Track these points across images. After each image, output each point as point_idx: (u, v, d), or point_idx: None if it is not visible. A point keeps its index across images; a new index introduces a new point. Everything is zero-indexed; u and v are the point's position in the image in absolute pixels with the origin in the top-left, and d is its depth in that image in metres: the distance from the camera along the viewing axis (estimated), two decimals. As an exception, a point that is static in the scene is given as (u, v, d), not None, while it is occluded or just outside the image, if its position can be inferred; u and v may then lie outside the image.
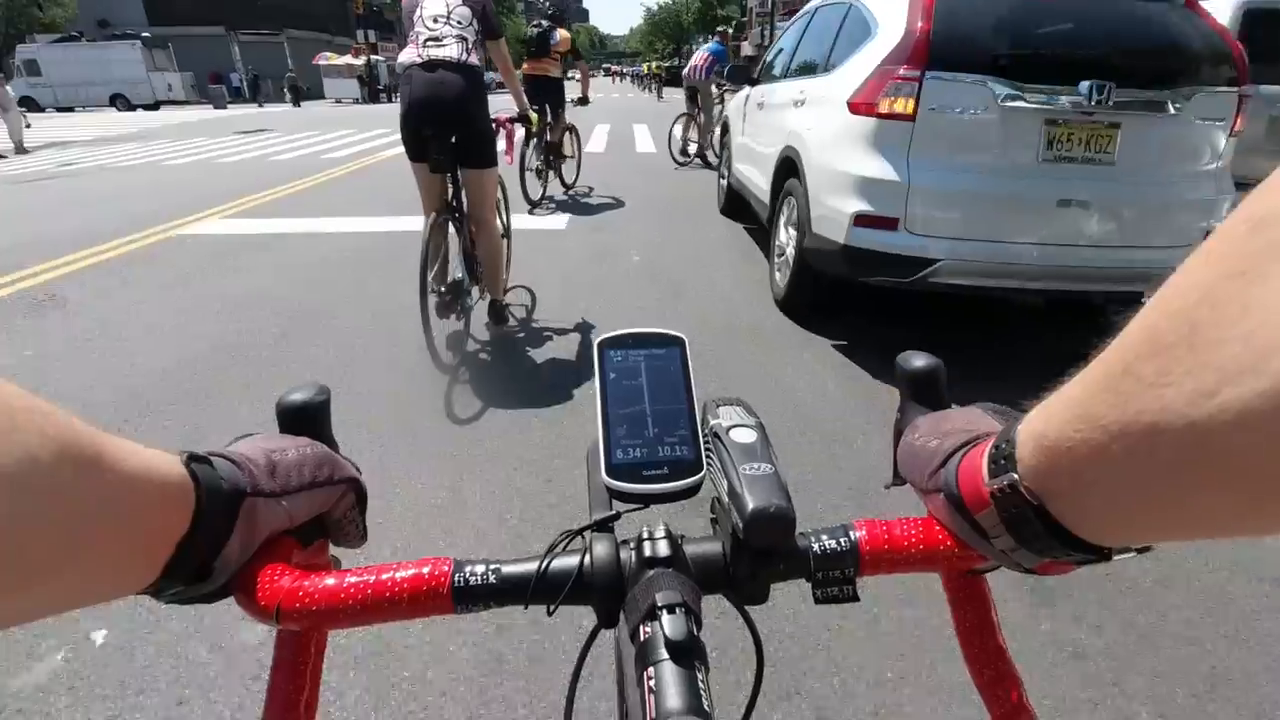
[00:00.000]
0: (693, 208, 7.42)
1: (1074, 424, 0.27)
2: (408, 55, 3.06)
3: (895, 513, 0.46)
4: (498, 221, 3.57)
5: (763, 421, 0.45)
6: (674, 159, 10.25)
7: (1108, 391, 0.25)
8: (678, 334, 0.47)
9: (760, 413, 0.46)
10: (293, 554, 0.41)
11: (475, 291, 3.61)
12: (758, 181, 5.00)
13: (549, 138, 7.21)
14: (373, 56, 40.10)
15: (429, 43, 3.00)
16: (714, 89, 10.13)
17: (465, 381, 3.24)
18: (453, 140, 3.10)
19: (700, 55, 9.89)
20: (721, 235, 6.13)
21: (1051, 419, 0.29)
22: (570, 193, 8.03)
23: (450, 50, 3.00)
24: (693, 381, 0.45)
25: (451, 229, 3.36)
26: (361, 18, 42.17)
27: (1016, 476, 0.31)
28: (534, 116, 4.09)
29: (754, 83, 5.77)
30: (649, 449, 0.42)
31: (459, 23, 3.05)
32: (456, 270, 3.49)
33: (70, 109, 34.93)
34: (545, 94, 6.91)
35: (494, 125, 3.38)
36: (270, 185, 8.89)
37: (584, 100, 7.63)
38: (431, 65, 2.98)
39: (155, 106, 35.18)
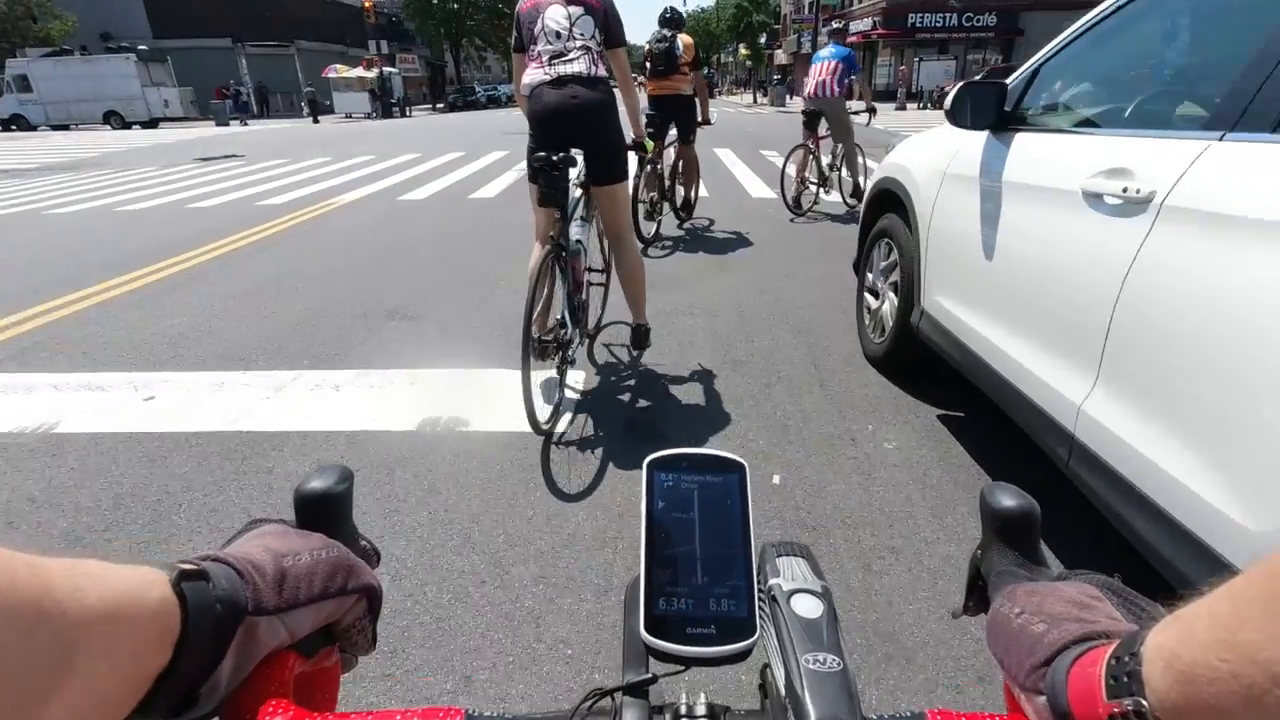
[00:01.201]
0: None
1: (1219, 651, 0.22)
2: (534, 75, 2.92)
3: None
4: (635, 238, 3.40)
5: (830, 587, 0.42)
6: (789, 207, 7.30)
7: (1269, 618, 0.20)
8: (738, 459, 0.42)
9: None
10: (294, 666, 0.37)
11: (577, 337, 3.04)
12: (1027, 364, 2.17)
13: (678, 165, 6.63)
14: (386, 68, 37.56)
15: (555, 59, 2.89)
16: (849, 110, 7.36)
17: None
18: (583, 157, 2.95)
19: (823, 65, 6.99)
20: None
21: (1189, 637, 0.24)
22: (689, 224, 7.03)
23: (578, 65, 2.89)
24: (751, 517, 0.40)
25: (557, 268, 2.89)
26: (376, 28, 39.81)
27: (1146, 704, 0.26)
28: (649, 144, 3.62)
29: (1009, 125, 2.51)
30: (696, 600, 0.38)
31: (582, 34, 2.91)
32: (558, 312, 2.95)
33: (65, 126, 32.61)
34: (676, 115, 6.13)
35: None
36: (143, 261, 5.71)
37: (706, 120, 6.43)
38: (561, 81, 2.87)
39: (153, 124, 32.70)
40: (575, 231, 2.94)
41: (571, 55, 2.88)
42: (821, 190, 7.55)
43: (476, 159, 12.92)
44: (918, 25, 33.21)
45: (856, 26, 37.27)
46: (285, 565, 0.36)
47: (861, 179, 7.50)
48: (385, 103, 36.35)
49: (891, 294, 3.41)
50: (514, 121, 26.24)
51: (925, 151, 3.12)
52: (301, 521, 0.41)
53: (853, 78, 7.06)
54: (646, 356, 3.62)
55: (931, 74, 32.25)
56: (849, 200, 7.68)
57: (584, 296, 3.13)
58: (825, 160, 7.51)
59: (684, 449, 0.42)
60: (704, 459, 0.41)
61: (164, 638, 0.29)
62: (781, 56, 54.95)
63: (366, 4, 34.93)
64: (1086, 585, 0.36)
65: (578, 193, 2.95)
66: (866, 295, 3.78)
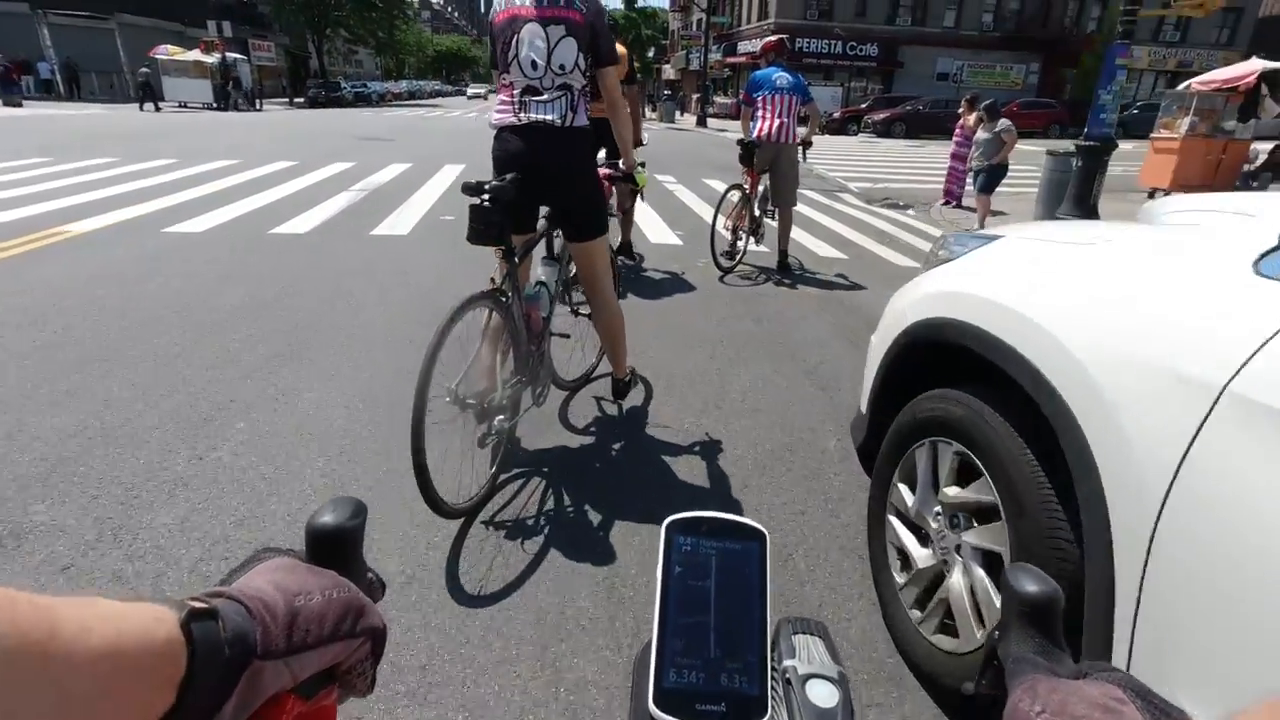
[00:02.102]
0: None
1: None
2: (502, 112, 2.54)
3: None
4: (613, 289, 2.96)
5: (847, 673, 0.40)
6: (717, 264, 5.83)
7: None
8: (758, 526, 0.41)
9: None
10: (293, 709, 0.36)
11: (527, 397, 2.70)
12: None
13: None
14: (230, 54, 33.12)
15: (526, 96, 2.48)
16: (801, 152, 5.95)
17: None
18: (549, 211, 2.70)
19: (781, 100, 5.63)
20: None
21: None
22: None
23: (552, 112, 2.47)
24: (769, 589, 0.39)
25: (497, 318, 2.45)
26: (222, 8, 35.15)
27: None
28: (642, 176, 3.00)
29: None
30: (708, 674, 0.37)
31: (562, 67, 2.44)
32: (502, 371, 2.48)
33: None
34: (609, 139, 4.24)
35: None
36: None
37: (638, 141, 5.23)
38: (531, 130, 2.49)
39: (-82, 100, 26.75)
40: (540, 273, 2.75)
41: (546, 96, 2.47)
42: (753, 240, 5.94)
43: (308, 172, 10.36)
44: (805, 50, 33.22)
45: (745, 47, 36.97)
46: (297, 605, 0.35)
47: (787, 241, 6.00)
48: (228, 93, 32.00)
49: (977, 568, 1.66)
50: (378, 124, 23.27)
51: (1127, 317, 1.34)
52: (313, 556, 0.40)
53: (803, 109, 5.55)
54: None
55: (819, 98, 32.17)
56: (778, 262, 6.10)
57: (540, 348, 2.70)
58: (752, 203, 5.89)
59: (704, 512, 0.41)
60: (724, 524, 0.41)
61: (169, 679, 0.28)
62: (670, 72, 54.48)
63: (206, -22, 30.59)
64: (1111, 686, 0.35)
65: (541, 224, 2.70)
66: (894, 525, 2.01)
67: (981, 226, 8.54)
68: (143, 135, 15.37)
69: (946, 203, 10.56)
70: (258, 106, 33.91)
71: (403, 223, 7.10)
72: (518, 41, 2.45)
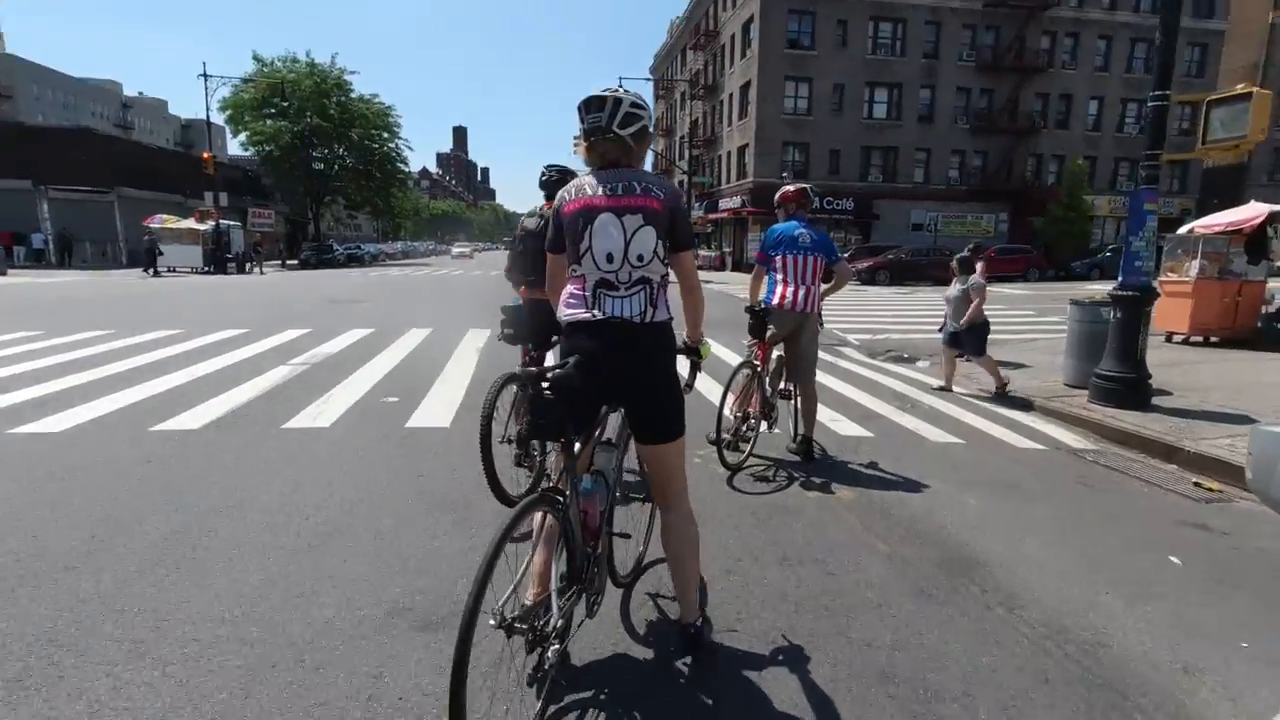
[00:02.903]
0: None
1: None
2: (573, 307, 2.37)
3: None
4: (689, 506, 2.59)
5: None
6: (722, 456, 4.58)
7: None
8: None
9: None
10: None
11: (580, 608, 2.38)
12: None
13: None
14: (224, 221, 33.84)
15: (601, 290, 2.32)
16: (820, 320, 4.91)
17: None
18: (624, 404, 2.45)
19: (804, 261, 4.76)
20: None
21: None
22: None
23: (631, 305, 2.31)
24: None
25: (552, 521, 2.23)
26: (230, 181, 36.46)
27: None
28: (707, 347, 2.71)
29: None
30: None
31: (640, 258, 2.30)
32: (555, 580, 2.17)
33: None
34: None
35: None
36: None
37: None
38: (607, 327, 2.30)
39: (-101, 271, 26.55)
40: (596, 460, 2.46)
41: (623, 291, 2.31)
42: (764, 425, 4.74)
43: (254, 341, 9.37)
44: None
45: (726, 203, 38.32)
46: None
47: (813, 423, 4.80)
48: (220, 257, 32.36)
49: None
50: (359, 284, 22.96)
51: None
52: None
53: (832, 269, 4.63)
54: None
55: (799, 250, 32.82)
56: (795, 448, 4.88)
57: (599, 550, 2.42)
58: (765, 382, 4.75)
59: None
60: None
61: None
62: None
63: (205, 155, 31.84)
64: None
65: (603, 411, 2.49)
66: None
67: (1001, 385, 7.56)
68: (93, 303, 14.62)
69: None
70: (250, 270, 34.22)
71: (330, 409, 5.91)
72: (591, 233, 2.30)
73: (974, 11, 34.71)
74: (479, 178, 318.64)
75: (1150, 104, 6.76)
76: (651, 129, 2.45)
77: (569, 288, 2.40)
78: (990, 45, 35.36)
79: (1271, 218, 10.98)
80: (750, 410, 4.58)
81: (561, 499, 2.20)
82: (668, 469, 2.49)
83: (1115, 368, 6.83)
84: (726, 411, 4.54)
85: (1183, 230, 11.71)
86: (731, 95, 37.78)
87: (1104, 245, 33.41)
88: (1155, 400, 6.87)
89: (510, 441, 3.79)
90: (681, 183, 37.29)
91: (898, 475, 4.69)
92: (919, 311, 15.90)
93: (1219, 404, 6.92)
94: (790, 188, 4.93)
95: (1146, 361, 6.96)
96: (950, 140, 35.75)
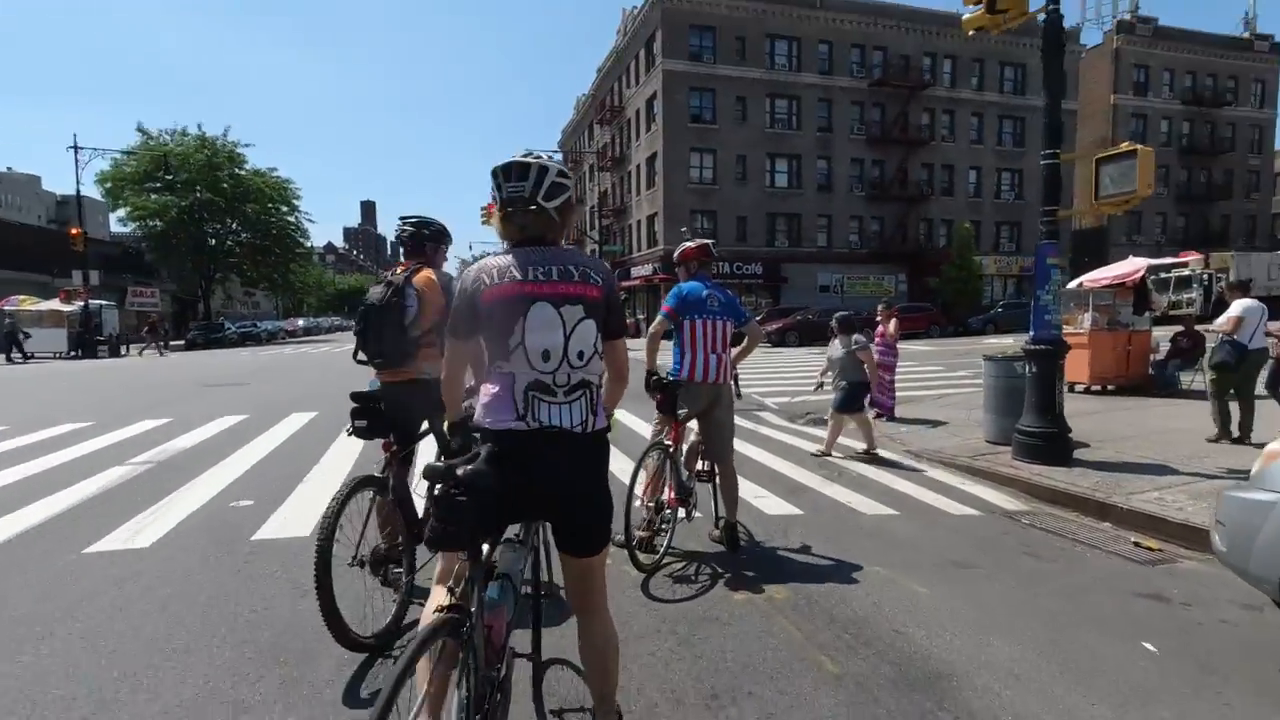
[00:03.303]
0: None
1: None
2: (497, 410, 1.98)
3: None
4: (608, 612, 2.24)
5: None
6: (634, 556, 3.90)
7: None
8: None
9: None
10: None
11: None
12: None
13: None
14: (96, 301, 31.16)
15: (535, 393, 1.97)
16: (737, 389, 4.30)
17: None
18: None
19: (712, 326, 4.24)
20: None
21: None
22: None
23: (572, 413, 1.99)
24: None
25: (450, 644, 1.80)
26: (107, 259, 33.73)
27: None
28: (615, 421, 2.39)
29: None
30: None
31: (580, 357, 2.02)
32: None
33: None
34: (405, 411, 3.35)
35: None
36: None
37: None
38: (543, 438, 1.96)
39: None
40: (504, 562, 2.05)
41: (562, 397, 1.99)
42: (681, 512, 4.09)
43: (97, 436, 8.07)
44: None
45: (639, 271, 38.59)
46: None
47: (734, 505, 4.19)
48: (90, 340, 29.56)
49: None
50: (246, 365, 21.22)
51: None
52: None
53: (741, 330, 4.13)
54: None
55: (713, 315, 33.26)
56: (719, 535, 4.26)
57: (504, 672, 2.01)
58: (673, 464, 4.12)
59: None
60: None
61: None
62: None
63: (73, 231, 29.40)
64: None
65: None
66: None
67: (871, 447, 7.29)
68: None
69: (879, 415, 9.40)
70: (125, 352, 31.40)
71: (158, 522, 4.81)
72: (525, 327, 1.97)
73: (861, 90, 37.19)
74: (388, 251, 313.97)
75: (1043, 163, 6.86)
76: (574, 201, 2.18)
77: (489, 387, 2.04)
78: (878, 120, 37.84)
79: (1150, 271, 11.59)
80: (664, 499, 3.95)
81: (467, 623, 1.82)
82: (593, 579, 2.19)
83: (1036, 423, 6.66)
84: (637, 503, 3.89)
85: (1073, 285, 12.20)
86: (639, 166, 38.65)
87: (995, 302, 35.44)
88: (1076, 453, 6.73)
89: (363, 564, 3.00)
90: (593, 252, 37.40)
91: (835, 560, 4.14)
92: (833, 371, 15.94)
93: (1136, 454, 6.85)
94: (691, 244, 4.47)
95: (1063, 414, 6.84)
96: (848, 207, 37.61)
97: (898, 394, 9.77)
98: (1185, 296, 25.99)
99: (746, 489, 5.77)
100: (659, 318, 4.19)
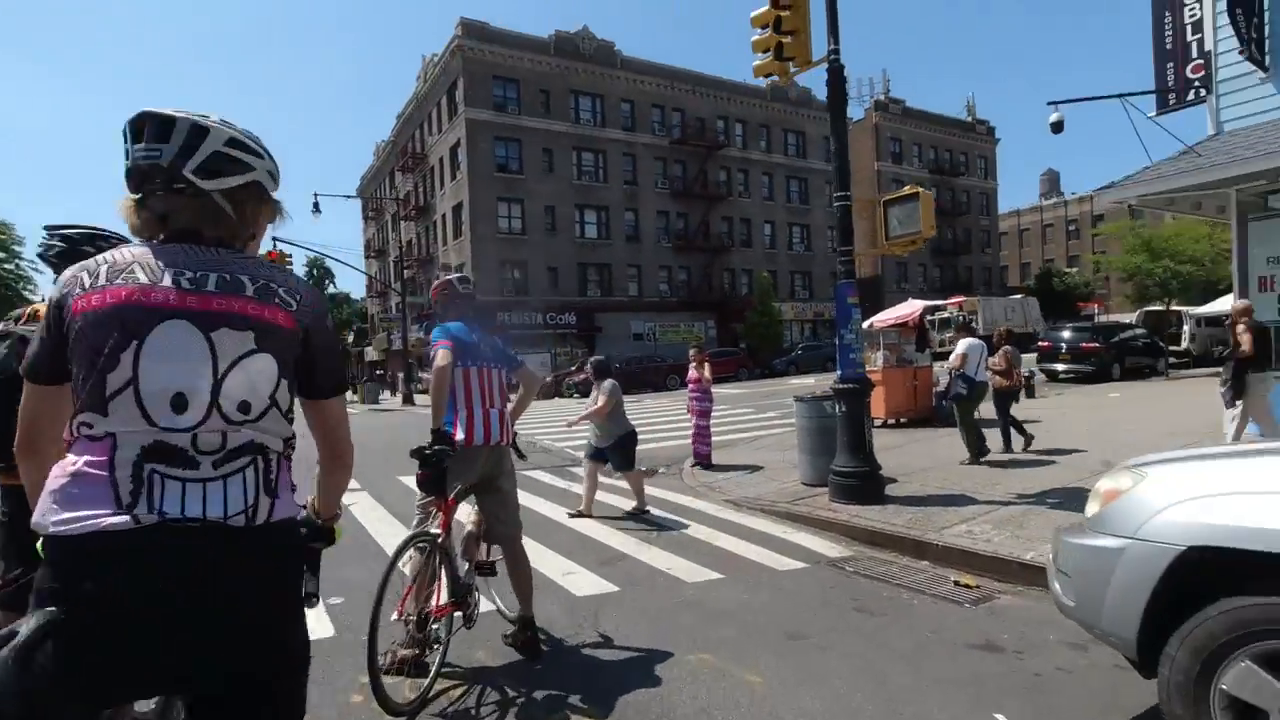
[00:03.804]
0: None
1: None
2: (80, 504, 1.21)
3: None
4: None
5: None
6: (383, 697, 2.70)
7: None
8: None
9: None
10: None
11: None
12: None
13: None
14: None
15: (154, 463, 1.24)
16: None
17: None
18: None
19: (484, 370, 3.40)
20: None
21: None
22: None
23: (227, 496, 1.28)
24: None
25: None
26: None
27: None
28: (340, 529, 1.69)
29: None
30: None
31: (244, 409, 1.31)
32: None
33: None
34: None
35: None
36: None
37: None
38: (159, 546, 1.21)
39: None
40: None
41: (208, 470, 1.27)
42: (459, 617, 3.17)
43: None
44: (507, 324, 33.92)
45: (448, 323, 36.71)
46: None
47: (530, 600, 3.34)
48: None
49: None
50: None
51: None
52: None
53: (514, 379, 3.30)
54: None
55: (531, 366, 32.41)
56: (512, 638, 3.37)
57: None
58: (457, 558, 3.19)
59: None
60: None
61: None
62: (373, 354, 52.73)
63: None
64: None
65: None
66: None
67: (641, 507, 6.68)
68: None
69: (697, 463, 9.05)
70: None
71: None
72: (140, 353, 1.25)
73: (663, 147, 39.03)
74: None
75: (836, 205, 6.95)
76: (276, 194, 1.50)
77: (72, 461, 1.24)
78: (680, 176, 39.85)
79: (926, 311, 12.62)
80: (432, 607, 2.99)
81: None
82: None
83: (849, 463, 6.55)
84: (395, 617, 2.91)
85: (864, 326, 12.97)
86: (445, 216, 37.26)
87: (795, 344, 38.12)
88: (888, 489, 6.72)
89: None
90: (398, 304, 34.99)
91: (655, 652, 3.42)
92: (649, 419, 15.65)
93: (937, 486, 6.99)
94: (438, 279, 3.60)
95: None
96: (657, 257, 38.88)
97: (715, 438, 9.51)
98: (947, 335, 29.63)
99: (553, 564, 4.94)
100: (441, 350, 3.22)
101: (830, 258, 45.22)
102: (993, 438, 8.34)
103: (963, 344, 8.36)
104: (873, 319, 12.95)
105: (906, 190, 6.42)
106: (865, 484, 6.47)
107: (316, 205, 25.92)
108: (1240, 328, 6.84)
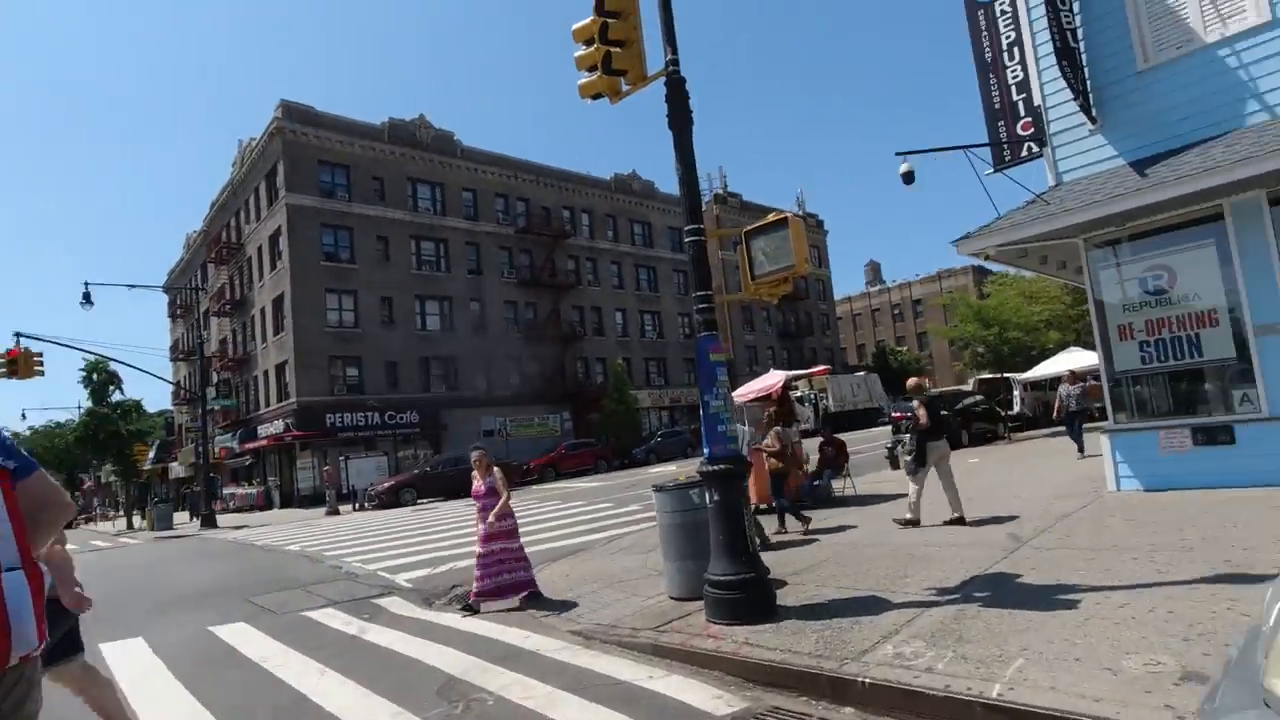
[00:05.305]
0: None
1: None
2: None
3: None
4: None
5: None
6: None
7: None
8: None
9: None
10: None
11: None
12: None
13: None
14: None
15: None
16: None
17: None
18: None
19: None
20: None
21: None
22: None
23: None
24: None
25: None
26: None
27: None
28: None
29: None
30: None
31: None
32: None
33: None
34: None
35: None
36: None
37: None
38: None
39: None
40: None
41: None
42: None
43: None
44: (338, 425, 30.16)
45: (267, 429, 32.28)
46: None
47: None
48: None
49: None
50: None
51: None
52: None
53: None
54: None
55: (363, 471, 28.74)
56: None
57: None
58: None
59: None
60: None
61: None
62: (180, 469, 45.53)
63: None
64: None
65: None
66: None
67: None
68: None
69: (526, 598, 7.09)
70: None
71: None
72: None
73: (508, 236, 37.94)
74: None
75: (687, 240, 5.68)
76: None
77: None
78: (527, 265, 38.74)
79: (788, 383, 11.72)
80: None
81: None
82: None
83: (729, 569, 4.97)
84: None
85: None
86: (264, 309, 33.33)
87: (654, 432, 37.07)
88: (779, 596, 5.20)
89: None
90: (210, 411, 30.14)
91: None
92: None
93: (838, 585, 5.56)
94: None
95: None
96: (505, 348, 36.94)
97: (567, 539, 7.62)
98: (801, 412, 29.87)
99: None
100: None
101: (683, 345, 45.77)
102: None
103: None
104: (734, 394, 11.86)
105: (772, 218, 5.27)
106: (751, 595, 4.90)
107: (87, 296, 21.71)
108: (916, 403, 7.73)
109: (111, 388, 31.23)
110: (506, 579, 6.41)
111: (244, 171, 35.57)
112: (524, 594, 6.45)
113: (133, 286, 26.91)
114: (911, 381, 8.48)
